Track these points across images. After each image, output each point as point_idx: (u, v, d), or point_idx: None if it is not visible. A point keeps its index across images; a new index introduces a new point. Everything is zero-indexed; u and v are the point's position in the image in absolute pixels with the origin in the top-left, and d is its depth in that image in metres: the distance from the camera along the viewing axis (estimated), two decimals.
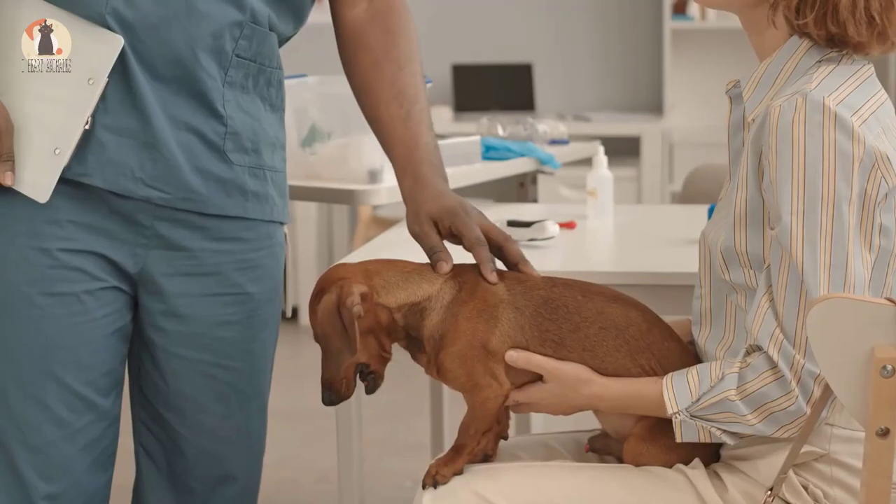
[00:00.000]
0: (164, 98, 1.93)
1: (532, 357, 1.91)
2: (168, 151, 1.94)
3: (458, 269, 1.98)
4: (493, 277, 1.94)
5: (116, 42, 1.89)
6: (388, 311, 1.94)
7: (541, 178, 3.51)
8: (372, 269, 1.96)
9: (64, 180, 1.92)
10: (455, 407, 3.73)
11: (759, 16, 1.90)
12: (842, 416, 1.85)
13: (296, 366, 5.58)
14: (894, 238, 1.82)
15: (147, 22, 1.91)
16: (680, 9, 6.27)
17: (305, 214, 6.05)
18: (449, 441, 3.37)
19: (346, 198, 2.93)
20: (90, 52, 1.90)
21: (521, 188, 3.53)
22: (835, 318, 1.63)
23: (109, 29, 1.90)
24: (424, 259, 1.99)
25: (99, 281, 1.97)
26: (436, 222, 2.00)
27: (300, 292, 6.08)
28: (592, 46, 6.57)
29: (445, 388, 3.39)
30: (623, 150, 6.11)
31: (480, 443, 1.98)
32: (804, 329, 1.75)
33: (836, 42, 1.85)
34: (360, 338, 1.90)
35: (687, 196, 3.26)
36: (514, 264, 2.00)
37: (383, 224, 5.78)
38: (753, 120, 1.88)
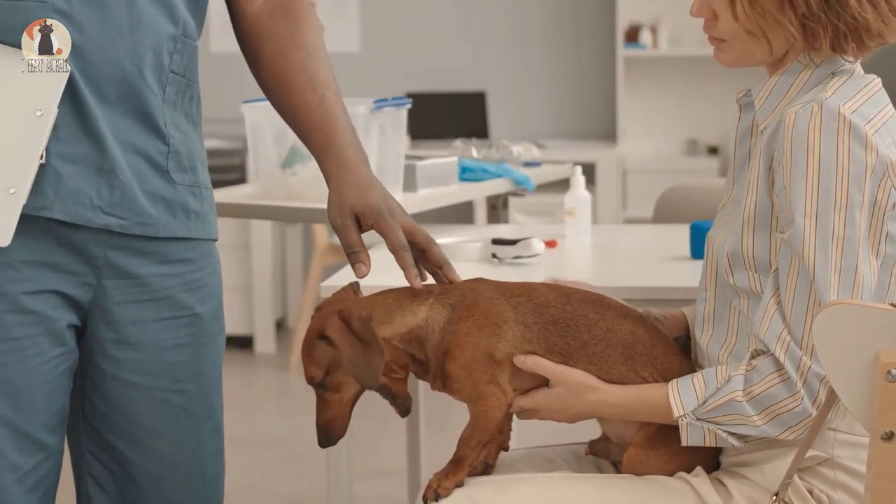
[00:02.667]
0: (112, 120, 1.89)
1: (540, 361, 1.93)
2: (123, 175, 1.90)
3: (442, 290, 1.98)
4: (416, 283, 1.94)
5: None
6: (386, 340, 1.93)
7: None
8: (358, 306, 1.95)
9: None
10: (430, 434, 3.75)
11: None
12: (844, 420, 1.88)
13: (251, 394, 5.57)
14: None
15: (94, 43, 1.86)
16: (632, 37, 6.33)
17: (260, 240, 6.03)
18: (426, 467, 3.38)
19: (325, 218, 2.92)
20: (37, 83, 1.83)
21: (492, 210, 3.56)
22: (841, 323, 1.66)
23: None
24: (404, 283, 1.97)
25: (54, 322, 1.91)
26: (358, 218, 1.99)
27: (255, 319, 6.06)
28: (546, 74, 6.62)
29: (422, 415, 3.39)
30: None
31: (481, 455, 1.99)
32: (811, 331, 1.79)
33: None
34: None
35: (660, 217, 3.30)
36: (438, 268, 2.00)
37: (340, 251, 5.77)
38: (765, 128, 1.91)
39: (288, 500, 4.23)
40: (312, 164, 3.04)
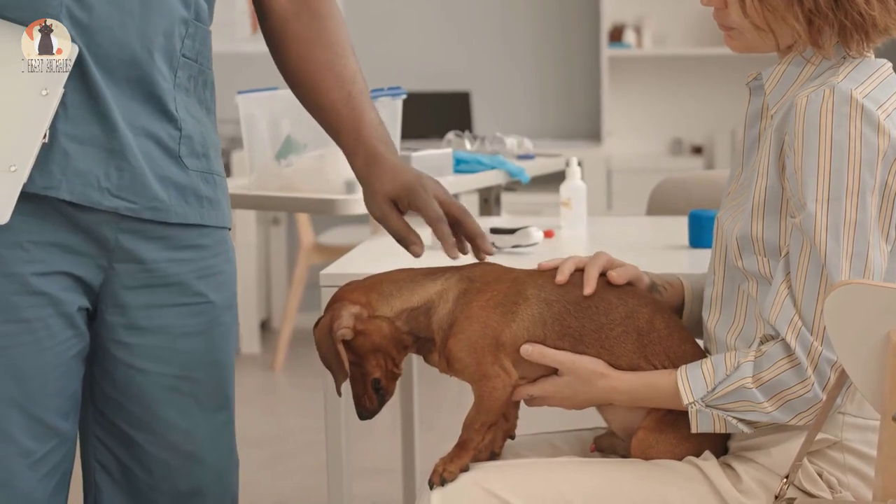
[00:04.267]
0: (122, 103, 1.88)
1: (546, 351, 1.93)
2: (133, 159, 1.89)
3: (466, 267, 1.99)
4: (454, 253, 1.96)
5: (72, 51, 1.83)
6: (389, 321, 1.95)
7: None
8: (369, 283, 1.98)
9: (22, 198, 1.82)
10: (423, 431, 3.74)
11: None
12: (853, 404, 1.88)
13: (237, 394, 5.52)
14: None
15: (103, 23, 1.85)
16: (616, 37, 6.34)
17: (245, 239, 6.01)
18: (421, 463, 3.37)
19: (325, 207, 2.92)
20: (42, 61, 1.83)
21: (485, 204, 3.55)
22: (852, 303, 1.66)
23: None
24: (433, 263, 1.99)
25: (65, 304, 1.90)
26: (395, 202, 2.00)
27: (240, 319, 6.03)
28: (530, 74, 6.62)
29: (416, 411, 3.38)
30: (562, 176, 6.14)
31: (486, 438, 1.97)
32: (822, 312, 1.78)
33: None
34: (370, 356, 1.94)
35: (653, 209, 3.30)
36: (472, 239, 2.01)
37: (325, 250, 5.77)
38: (776, 111, 1.91)
39: (275, 500, 4.22)
40: (307, 155, 3.04)
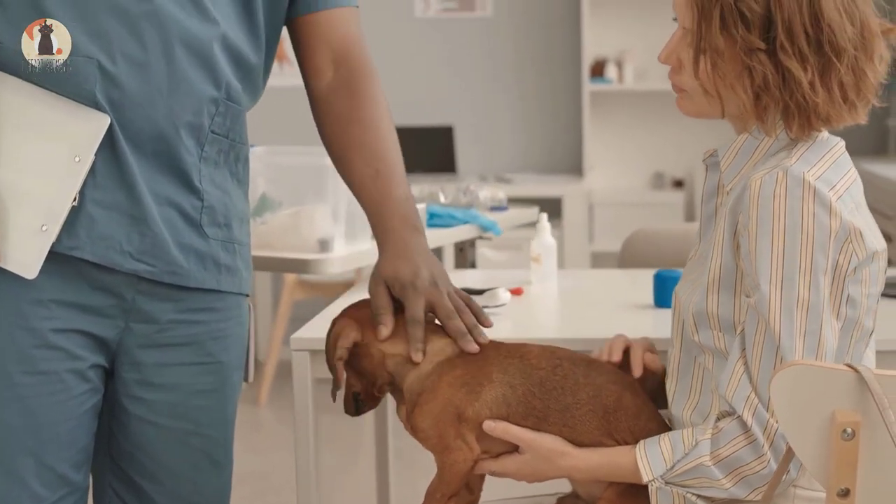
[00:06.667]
0: (148, 173, 1.98)
1: (509, 428, 1.96)
2: (155, 225, 1.99)
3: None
4: (416, 357, 2.00)
5: (103, 121, 1.94)
6: (381, 355, 2.02)
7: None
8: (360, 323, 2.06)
9: (47, 256, 1.94)
10: (398, 471, 3.77)
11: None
12: (804, 477, 1.92)
13: None
14: (859, 308, 1.91)
15: (133, 100, 1.96)
16: (598, 72, 6.39)
17: None
18: (397, 501, 3.42)
19: (298, 267, 2.97)
20: (77, 131, 1.94)
21: (460, 252, 3.61)
22: (799, 383, 1.71)
23: (98, 108, 1.94)
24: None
25: (80, 360, 2.01)
26: (388, 286, 2.06)
27: None
28: (513, 109, 6.67)
29: (391, 450, 3.43)
30: (544, 210, 6.17)
31: None
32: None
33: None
34: (358, 373, 2.03)
35: (625, 260, 3.35)
36: (455, 339, 2.04)
37: (309, 287, 5.80)
38: (731, 189, 1.96)
39: None
40: (283, 213, 3.09)
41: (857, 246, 1.88)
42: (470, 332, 2.03)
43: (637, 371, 2.06)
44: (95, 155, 1.95)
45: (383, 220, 2.11)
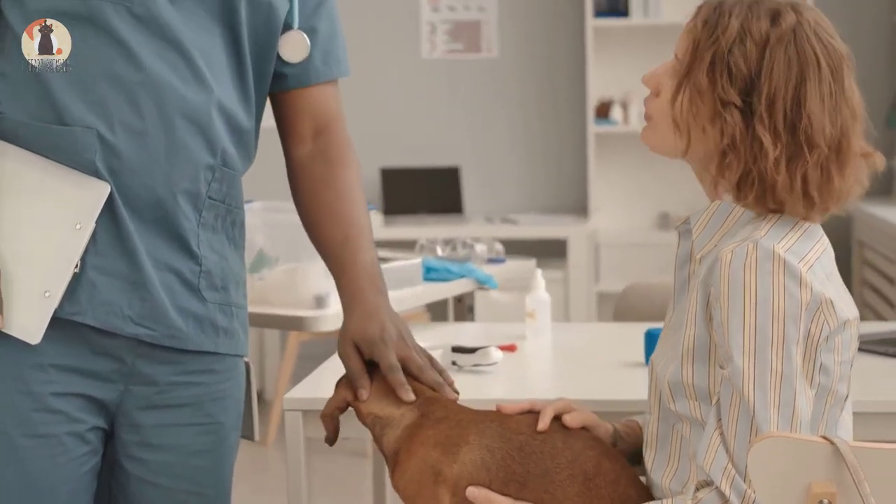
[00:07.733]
0: (147, 239, 2.02)
1: (491, 496, 1.97)
2: (154, 291, 2.03)
3: (432, 398, 2.07)
4: (407, 397, 2.04)
5: (104, 189, 1.98)
6: (365, 414, 2.07)
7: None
8: (375, 375, 2.09)
9: (49, 322, 1.98)
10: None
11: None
12: None
13: None
14: (832, 375, 1.93)
15: (132, 168, 2.00)
16: (603, 113, 6.43)
17: None
18: None
19: (294, 324, 3.01)
20: (78, 198, 1.98)
21: (459, 303, 3.63)
22: (775, 455, 1.73)
23: (98, 176, 1.98)
24: None
25: (80, 423, 2.04)
26: (358, 347, 2.09)
27: None
28: (518, 150, 6.71)
29: (387, 499, 3.45)
30: (550, 251, 6.23)
31: None
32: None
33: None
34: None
35: (620, 314, 3.38)
36: (432, 389, 2.07)
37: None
38: (702, 258, 1.98)
39: None
40: (279, 269, 3.13)
41: (829, 315, 1.90)
42: (435, 390, 2.08)
43: (541, 425, 2.03)
44: (96, 222, 1.98)
45: (350, 283, 2.15)
